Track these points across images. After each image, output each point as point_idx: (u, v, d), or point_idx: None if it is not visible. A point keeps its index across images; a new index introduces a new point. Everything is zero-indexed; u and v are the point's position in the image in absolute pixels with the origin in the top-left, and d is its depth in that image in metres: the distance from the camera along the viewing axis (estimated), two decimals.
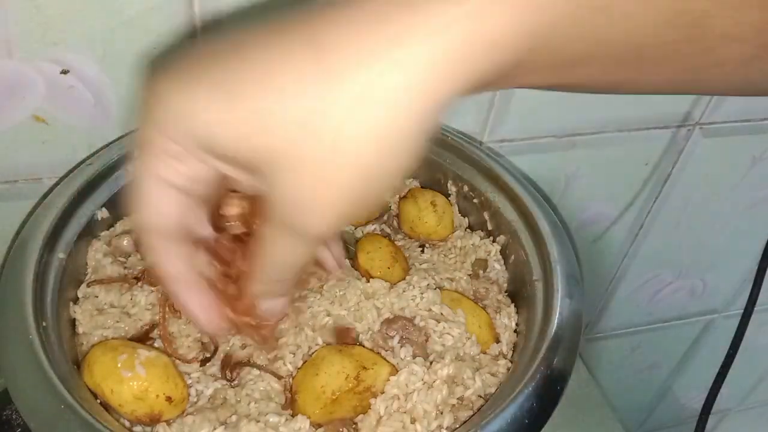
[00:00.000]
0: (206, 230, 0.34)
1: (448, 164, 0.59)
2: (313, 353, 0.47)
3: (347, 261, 0.53)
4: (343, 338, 0.47)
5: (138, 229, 0.31)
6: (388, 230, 0.58)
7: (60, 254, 0.48)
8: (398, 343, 0.47)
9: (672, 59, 0.28)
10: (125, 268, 0.51)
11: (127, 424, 0.43)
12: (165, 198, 0.29)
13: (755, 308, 0.87)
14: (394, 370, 0.45)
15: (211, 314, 0.34)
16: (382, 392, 0.44)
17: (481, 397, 0.46)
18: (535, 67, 0.26)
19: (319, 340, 0.47)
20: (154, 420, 0.42)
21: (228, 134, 0.25)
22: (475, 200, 0.58)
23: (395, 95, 0.23)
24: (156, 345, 0.47)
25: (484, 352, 0.49)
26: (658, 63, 0.28)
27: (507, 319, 0.52)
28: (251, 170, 0.26)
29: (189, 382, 0.45)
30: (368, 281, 0.51)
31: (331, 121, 0.23)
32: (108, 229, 0.54)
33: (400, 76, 0.23)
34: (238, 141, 0.25)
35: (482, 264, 0.56)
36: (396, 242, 0.57)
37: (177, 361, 0.46)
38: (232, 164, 0.27)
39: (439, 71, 0.23)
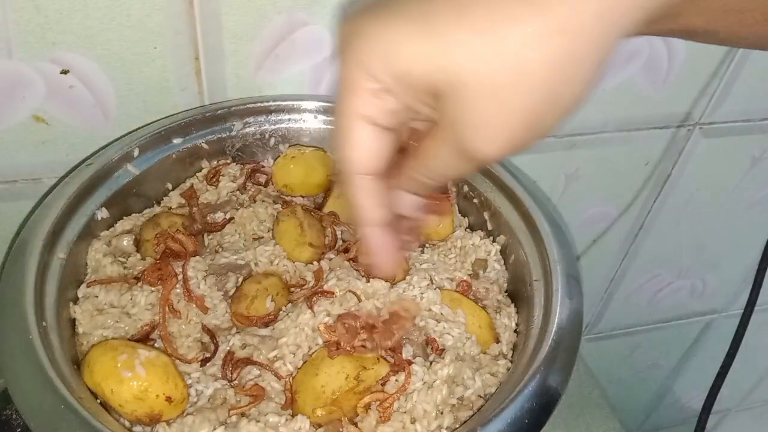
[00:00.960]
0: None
1: None
2: (313, 353, 0.47)
3: (347, 262, 0.53)
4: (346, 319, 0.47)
5: (342, 170, 0.32)
6: None
7: (60, 254, 0.48)
8: None
9: None
10: (125, 268, 0.51)
11: (127, 424, 0.43)
12: (370, 136, 0.30)
13: (755, 308, 0.87)
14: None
15: (395, 257, 0.36)
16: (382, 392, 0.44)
17: (481, 397, 0.46)
18: (704, 4, 0.28)
19: (319, 340, 0.47)
20: (154, 420, 0.42)
21: (425, 65, 0.27)
22: (475, 200, 0.58)
23: (577, 25, 0.25)
24: (156, 345, 0.47)
25: (484, 352, 0.49)
26: None
27: (507, 319, 0.52)
28: (438, 99, 0.28)
29: (189, 382, 0.45)
30: (368, 281, 0.51)
31: (516, 48, 0.26)
32: (108, 229, 0.54)
33: (584, 8, 0.25)
34: (434, 72, 0.27)
35: (482, 264, 0.56)
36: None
37: (177, 361, 0.46)
38: (422, 95, 0.29)
39: (618, 5, 0.25)
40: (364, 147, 0.31)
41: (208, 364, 0.47)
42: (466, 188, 0.59)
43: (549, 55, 0.26)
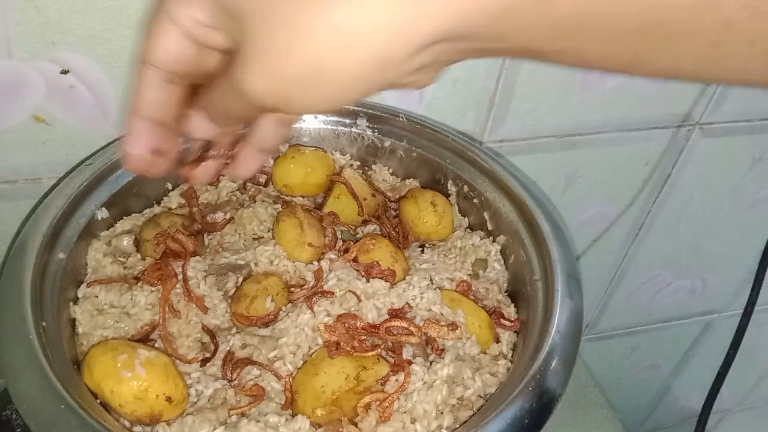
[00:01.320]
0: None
1: (448, 164, 0.60)
2: (313, 353, 0.47)
3: (347, 263, 0.53)
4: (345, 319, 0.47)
5: (139, 61, 0.34)
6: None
7: (60, 254, 0.48)
8: None
9: (687, 32, 0.26)
10: (125, 268, 0.51)
11: (127, 424, 0.43)
12: (173, 38, 0.32)
13: (755, 308, 0.87)
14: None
15: (146, 157, 0.37)
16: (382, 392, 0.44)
17: (481, 397, 0.46)
18: (526, 26, 0.26)
19: (319, 340, 0.47)
20: (154, 420, 0.42)
21: None
22: (475, 200, 0.58)
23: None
24: (156, 345, 0.47)
25: (484, 352, 0.49)
26: (670, 36, 0.26)
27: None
28: (234, 21, 0.29)
29: (189, 382, 0.45)
30: (368, 281, 0.51)
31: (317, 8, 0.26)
32: (108, 229, 0.54)
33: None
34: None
35: (482, 264, 0.56)
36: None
37: (177, 361, 0.46)
38: (224, 15, 0.30)
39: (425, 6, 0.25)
40: (163, 43, 0.33)
41: (208, 364, 0.47)
42: (466, 188, 0.59)
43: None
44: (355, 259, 0.53)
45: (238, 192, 0.60)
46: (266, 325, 0.49)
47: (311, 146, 0.62)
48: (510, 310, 0.53)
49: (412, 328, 0.47)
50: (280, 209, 0.57)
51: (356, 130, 0.62)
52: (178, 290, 0.49)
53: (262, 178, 0.61)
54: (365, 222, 0.58)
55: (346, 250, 0.54)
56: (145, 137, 0.36)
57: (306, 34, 0.26)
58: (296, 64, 0.27)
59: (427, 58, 0.28)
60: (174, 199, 0.58)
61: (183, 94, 0.36)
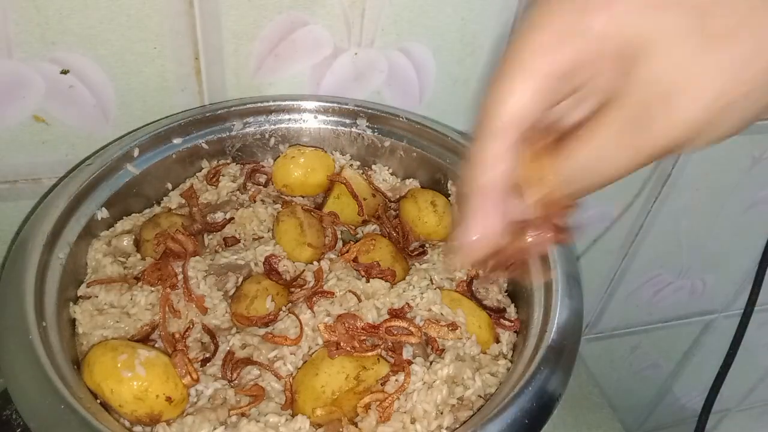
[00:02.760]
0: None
1: (448, 164, 0.59)
2: (313, 353, 0.47)
3: (347, 263, 0.53)
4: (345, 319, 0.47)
5: (487, 118, 0.29)
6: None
7: (60, 254, 0.48)
8: None
9: None
10: (125, 268, 0.51)
11: (127, 424, 0.43)
12: (533, 90, 0.28)
13: (755, 308, 0.87)
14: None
15: (495, 227, 0.32)
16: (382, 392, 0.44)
17: (481, 397, 0.46)
18: None
19: (319, 340, 0.47)
20: (154, 420, 0.42)
21: (615, 20, 0.27)
22: None
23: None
24: (156, 345, 0.47)
25: (484, 352, 0.49)
26: None
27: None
28: (622, 55, 0.27)
29: None
30: (368, 281, 0.51)
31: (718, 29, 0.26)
32: (108, 229, 0.54)
33: None
34: (622, 26, 0.27)
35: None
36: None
37: None
38: (605, 51, 0.28)
39: None
40: (519, 100, 0.28)
41: (208, 364, 0.47)
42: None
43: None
44: (355, 259, 0.53)
45: (238, 192, 0.60)
46: (266, 325, 0.49)
47: (311, 146, 0.62)
48: (510, 310, 0.53)
49: (412, 328, 0.47)
50: (280, 209, 0.57)
51: (356, 130, 0.62)
52: (179, 290, 0.49)
53: (262, 178, 0.61)
54: (365, 222, 0.58)
55: (347, 251, 0.54)
56: (494, 215, 0.31)
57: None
58: (747, 81, 0.26)
59: None
60: (174, 199, 0.58)
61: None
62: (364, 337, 0.46)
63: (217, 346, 0.47)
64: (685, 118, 0.27)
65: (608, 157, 0.29)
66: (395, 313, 0.49)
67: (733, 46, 0.26)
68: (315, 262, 0.53)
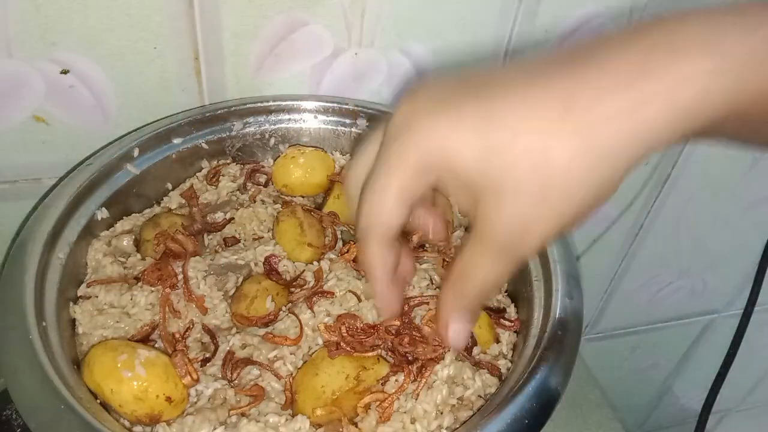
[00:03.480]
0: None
1: None
2: (313, 353, 0.47)
3: (347, 263, 0.53)
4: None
5: (361, 229, 0.34)
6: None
7: (60, 254, 0.48)
8: None
9: None
10: (125, 268, 0.51)
11: (127, 424, 0.43)
12: (399, 207, 0.33)
13: (755, 308, 0.87)
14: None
15: (396, 307, 0.39)
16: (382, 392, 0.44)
17: (481, 397, 0.46)
18: (750, 119, 0.29)
19: (319, 340, 0.47)
20: (154, 420, 0.42)
21: (474, 161, 0.29)
22: None
23: (622, 149, 0.28)
24: (156, 345, 0.47)
25: (484, 352, 0.49)
26: None
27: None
28: (474, 193, 0.30)
29: None
30: (368, 281, 0.51)
31: (565, 161, 0.28)
32: (108, 229, 0.54)
33: (633, 136, 0.28)
34: (480, 167, 0.29)
35: None
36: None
37: None
38: (461, 186, 0.31)
39: (661, 133, 0.28)
40: (392, 215, 0.33)
41: (208, 364, 0.47)
42: None
43: (591, 172, 0.28)
44: (355, 259, 0.53)
45: (238, 192, 0.60)
46: (266, 325, 0.49)
47: (311, 146, 0.62)
48: (510, 310, 0.53)
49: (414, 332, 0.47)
50: (280, 209, 0.57)
51: (356, 130, 0.62)
52: (179, 290, 0.49)
53: (262, 178, 0.61)
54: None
55: (347, 251, 0.54)
56: (397, 296, 0.38)
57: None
58: (569, 213, 0.29)
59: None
60: (174, 199, 0.58)
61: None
62: (364, 337, 0.46)
63: (217, 346, 0.47)
64: (535, 247, 0.30)
65: (483, 267, 0.32)
66: None
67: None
68: (315, 262, 0.53)
